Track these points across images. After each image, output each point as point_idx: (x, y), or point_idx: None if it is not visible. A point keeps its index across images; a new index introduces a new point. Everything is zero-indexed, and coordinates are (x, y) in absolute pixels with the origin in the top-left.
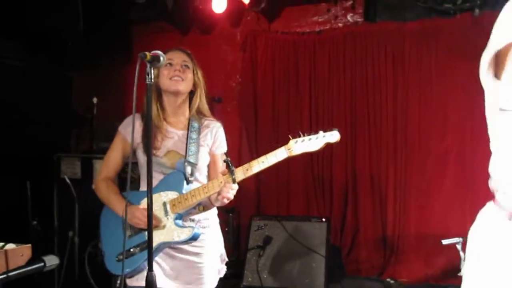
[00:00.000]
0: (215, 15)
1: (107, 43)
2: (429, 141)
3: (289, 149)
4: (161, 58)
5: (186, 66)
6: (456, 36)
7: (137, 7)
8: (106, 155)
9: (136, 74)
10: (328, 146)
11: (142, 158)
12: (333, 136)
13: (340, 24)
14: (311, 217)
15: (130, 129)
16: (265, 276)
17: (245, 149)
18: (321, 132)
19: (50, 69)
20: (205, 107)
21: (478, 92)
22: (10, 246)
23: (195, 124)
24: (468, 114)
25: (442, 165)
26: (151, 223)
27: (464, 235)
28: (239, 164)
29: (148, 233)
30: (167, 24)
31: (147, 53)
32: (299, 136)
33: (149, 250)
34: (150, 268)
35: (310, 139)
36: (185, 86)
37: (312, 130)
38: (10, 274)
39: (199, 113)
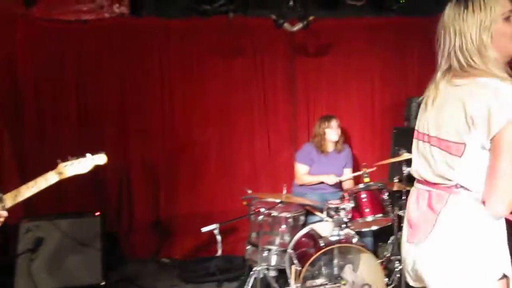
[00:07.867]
0: None
1: None
2: (194, 131)
3: (59, 173)
4: None
5: None
6: (213, 35)
7: None
8: None
9: None
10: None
11: None
12: (101, 159)
13: (106, 15)
14: (84, 212)
15: None
16: (40, 279)
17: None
18: (89, 155)
19: None
20: None
21: (234, 87)
22: None
23: None
24: (225, 106)
25: (206, 153)
26: None
27: (225, 215)
28: None
29: None
30: None
31: None
32: (68, 160)
33: None
34: None
35: (79, 162)
36: None
37: (81, 123)
38: None
39: None
